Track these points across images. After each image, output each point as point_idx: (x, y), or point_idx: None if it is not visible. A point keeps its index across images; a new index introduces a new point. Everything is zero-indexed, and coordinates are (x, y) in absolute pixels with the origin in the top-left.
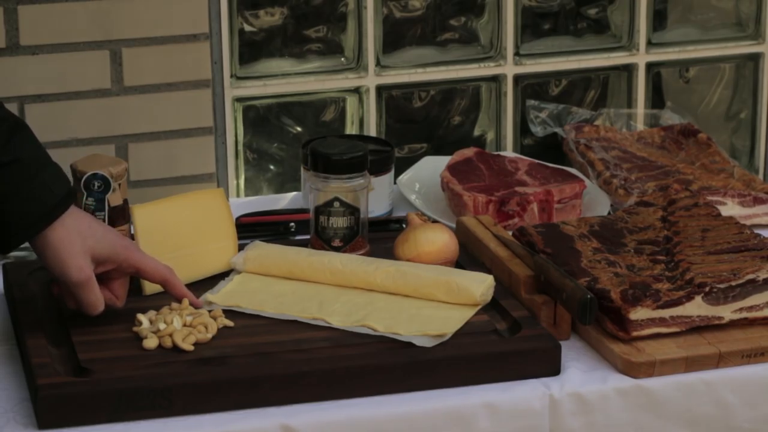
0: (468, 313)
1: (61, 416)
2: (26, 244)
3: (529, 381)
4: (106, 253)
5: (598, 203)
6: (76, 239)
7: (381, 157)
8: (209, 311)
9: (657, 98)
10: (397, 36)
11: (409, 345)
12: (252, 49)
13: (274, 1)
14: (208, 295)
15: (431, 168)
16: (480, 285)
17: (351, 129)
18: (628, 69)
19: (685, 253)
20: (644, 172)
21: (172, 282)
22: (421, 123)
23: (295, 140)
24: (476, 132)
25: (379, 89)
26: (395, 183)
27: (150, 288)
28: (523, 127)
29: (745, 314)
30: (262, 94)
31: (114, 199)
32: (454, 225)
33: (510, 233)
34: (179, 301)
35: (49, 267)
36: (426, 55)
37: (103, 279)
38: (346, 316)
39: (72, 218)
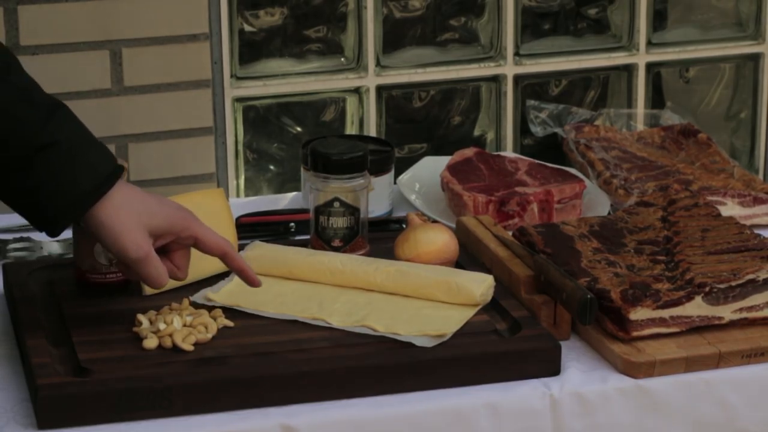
0: (468, 313)
1: (61, 416)
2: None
3: (529, 381)
4: (163, 226)
5: (598, 203)
6: (129, 215)
7: (381, 157)
8: (209, 311)
9: (657, 98)
10: (397, 36)
11: (409, 345)
12: (252, 49)
13: (274, 1)
14: (209, 293)
15: (431, 168)
16: (480, 285)
17: (351, 129)
18: (628, 69)
19: (685, 253)
20: (644, 172)
21: (231, 255)
22: (421, 123)
23: (295, 140)
24: (476, 132)
25: (379, 89)
26: (395, 183)
27: (150, 288)
28: (523, 127)
29: (745, 314)
30: (262, 94)
31: None
32: (454, 225)
33: (510, 233)
34: (239, 274)
35: (106, 247)
36: (426, 55)
37: (164, 251)
38: (346, 316)
39: (122, 195)
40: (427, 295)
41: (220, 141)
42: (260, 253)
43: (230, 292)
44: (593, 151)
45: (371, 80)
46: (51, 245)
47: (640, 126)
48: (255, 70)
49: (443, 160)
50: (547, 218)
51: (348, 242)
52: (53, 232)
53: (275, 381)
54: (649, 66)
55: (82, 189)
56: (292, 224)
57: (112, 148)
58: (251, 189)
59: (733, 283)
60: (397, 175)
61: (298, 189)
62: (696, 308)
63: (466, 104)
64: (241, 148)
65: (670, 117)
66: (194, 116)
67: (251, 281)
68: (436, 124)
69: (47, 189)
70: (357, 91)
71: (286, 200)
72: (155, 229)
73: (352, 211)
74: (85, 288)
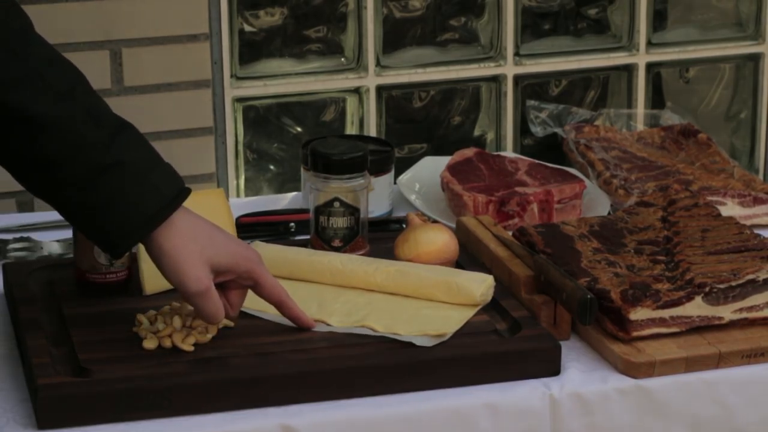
0: (468, 313)
1: (61, 416)
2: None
3: (529, 381)
4: (226, 264)
5: (598, 203)
6: (193, 248)
7: (381, 157)
8: None
9: (657, 98)
10: (397, 36)
11: (409, 345)
12: (252, 49)
13: (274, 1)
14: None
15: (431, 168)
16: (480, 285)
17: (351, 129)
18: (628, 69)
19: (685, 253)
20: (644, 172)
21: (288, 304)
22: (421, 123)
23: (295, 140)
24: (476, 132)
25: (379, 89)
26: (395, 183)
27: (150, 288)
28: (523, 127)
29: (745, 314)
30: (262, 94)
31: None
32: (454, 225)
33: (510, 233)
34: (295, 322)
35: (165, 276)
36: (426, 55)
37: (221, 287)
38: (346, 316)
39: (188, 224)
40: (427, 295)
41: (220, 141)
42: (260, 253)
43: None
44: (593, 151)
45: (371, 80)
46: (51, 245)
47: (640, 126)
48: (255, 70)
49: (443, 160)
50: (547, 218)
51: (348, 242)
52: (116, 254)
53: (275, 381)
54: (649, 66)
55: (146, 211)
56: (292, 224)
57: None
58: (251, 189)
59: (733, 283)
60: (397, 175)
61: (298, 189)
62: (696, 308)
63: (466, 104)
64: (241, 148)
65: (670, 117)
66: (194, 116)
67: (307, 326)
68: (436, 124)
69: (111, 210)
70: (357, 91)
71: (286, 200)
72: (218, 265)
73: (352, 211)
74: (85, 288)
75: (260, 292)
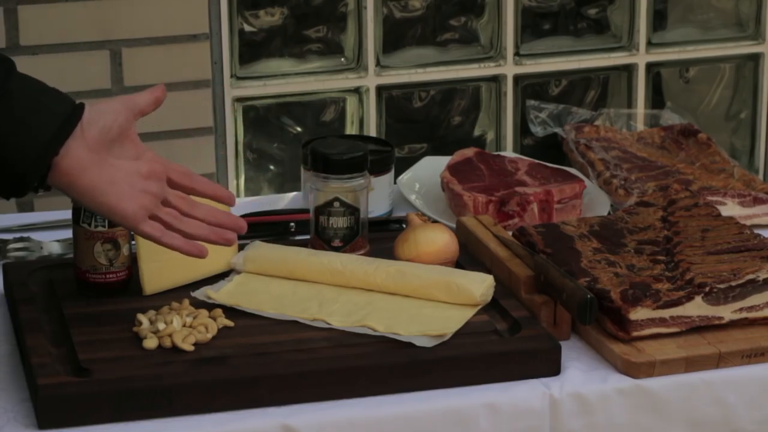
0: (468, 313)
1: (61, 416)
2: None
3: (529, 381)
4: (107, 126)
5: (598, 203)
6: (103, 176)
7: (381, 157)
8: (209, 311)
9: (657, 98)
10: (397, 36)
11: (409, 345)
12: (252, 49)
13: (274, 1)
14: (209, 291)
15: (431, 168)
16: (480, 285)
17: (351, 129)
18: (628, 69)
19: (685, 253)
20: (644, 172)
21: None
22: (421, 123)
23: (295, 140)
24: (476, 132)
25: (379, 89)
26: (395, 183)
27: (150, 288)
28: (523, 127)
29: (745, 314)
30: (262, 94)
31: None
32: (454, 225)
33: (510, 233)
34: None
35: (96, 211)
36: (426, 55)
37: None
38: (346, 316)
39: (81, 156)
40: (427, 295)
41: (220, 141)
42: (260, 253)
43: (230, 292)
44: (593, 151)
45: (371, 80)
46: (51, 245)
47: (640, 126)
48: (255, 70)
49: (443, 160)
50: (547, 218)
51: (348, 242)
52: (28, 185)
53: (275, 381)
54: (649, 66)
55: (47, 131)
56: (292, 224)
57: None
58: (251, 189)
59: (733, 283)
60: (397, 175)
61: (298, 189)
62: (696, 308)
63: (466, 104)
64: (241, 148)
65: (670, 117)
66: (194, 116)
67: (227, 198)
68: (436, 124)
69: (11, 139)
70: (357, 91)
71: (286, 200)
72: (105, 135)
73: (352, 211)
74: (85, 288)
75: (141, 105)
